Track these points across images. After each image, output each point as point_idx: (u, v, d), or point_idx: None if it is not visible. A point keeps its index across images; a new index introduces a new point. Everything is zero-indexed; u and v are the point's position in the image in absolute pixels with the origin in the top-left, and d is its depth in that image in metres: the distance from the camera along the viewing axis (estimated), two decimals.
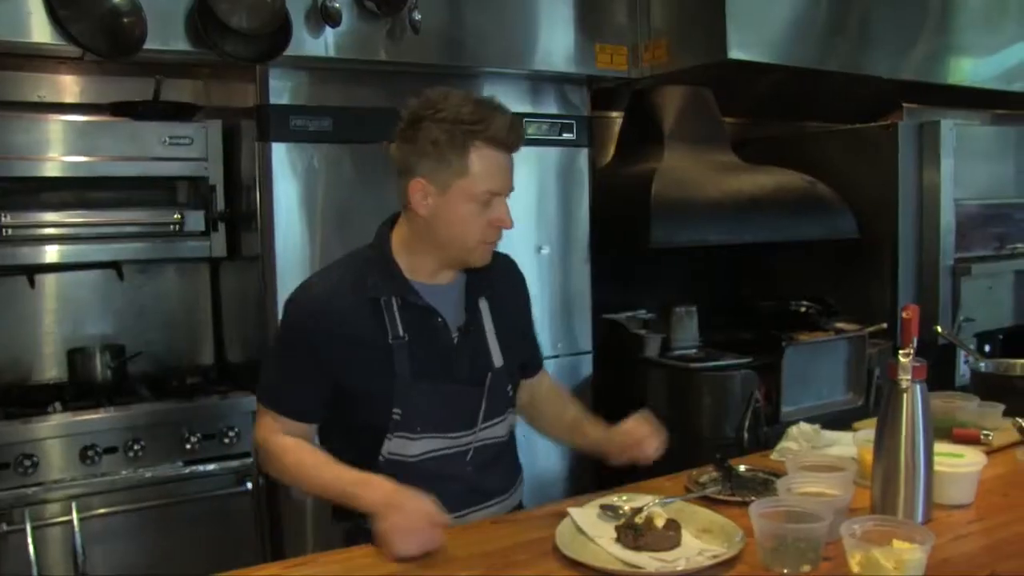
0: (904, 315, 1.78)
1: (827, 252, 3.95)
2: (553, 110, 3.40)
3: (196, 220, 3.07)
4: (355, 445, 1.86)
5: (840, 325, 3.73)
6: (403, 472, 1.80)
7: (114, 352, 3.21)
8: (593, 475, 3.43)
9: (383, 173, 2.86)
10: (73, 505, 2.66)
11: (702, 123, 3.85)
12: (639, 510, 1.78)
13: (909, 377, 1.75)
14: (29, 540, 2.57)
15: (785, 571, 1.60)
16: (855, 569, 1.52)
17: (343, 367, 1.81)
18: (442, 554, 1.71)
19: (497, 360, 1.93)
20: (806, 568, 1.61)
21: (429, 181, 1.77)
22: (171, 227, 3.02)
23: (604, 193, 3.58)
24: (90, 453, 2.71)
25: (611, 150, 4.12)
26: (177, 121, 3.06)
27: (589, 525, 1.79)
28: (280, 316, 1.94)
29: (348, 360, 1.81)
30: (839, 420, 2.64)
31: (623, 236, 3.54)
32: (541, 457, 3.36)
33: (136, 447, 2.78)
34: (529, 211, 3.37)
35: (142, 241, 3.02)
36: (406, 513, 1.65)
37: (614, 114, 4.16)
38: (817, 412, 3.32)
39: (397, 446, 1.85)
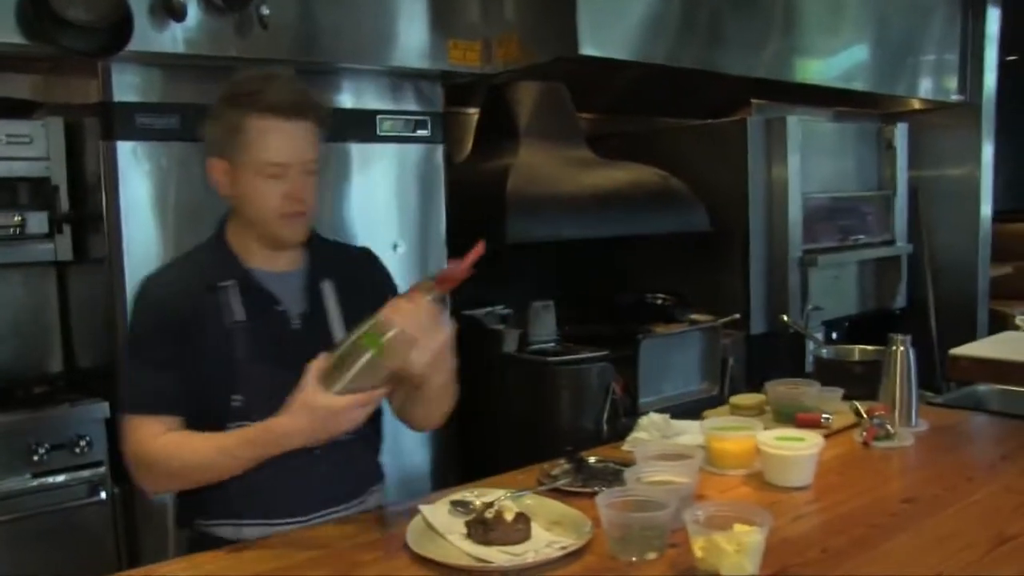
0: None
1: (681, 245, 4.04)
2: (409, 107, 3.39)
3: (39, 222, 2.92)
4: None
5: (694, 317, 3.83)
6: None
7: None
8: (457, 471, 3.47)
9: None
10: None
11: (557, 119, 3.87)
12: (490, 504, 1.78)
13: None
14: None
15: (632, 559, 1.62)
16: (698, 554, 1.55)
17: (188, 354, 1.78)
18: (285, 556, 1.68)
19: None
20: (652, 555, 1.63)
21: (221, 159, 1.77)
22: (12, 230, 2.88)
23: (461, 189, 3.57)
24: None
25: (469, 147, 4.12)
26: (14, 119, 2.92)
27: (440, 522, 1.78)
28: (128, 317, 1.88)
29: (192, 348, 1.77)
30: (695, 409, 2.71)
31: (479, 232, 3.20)
32: (407, 453, 3.38)
33: None
34: (385, 208, 3.38)
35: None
36: (311, 418, 1.65)
37: (471, 110, 4.16)
38: (674, 402, 3.38)
39: None
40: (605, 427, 3.31)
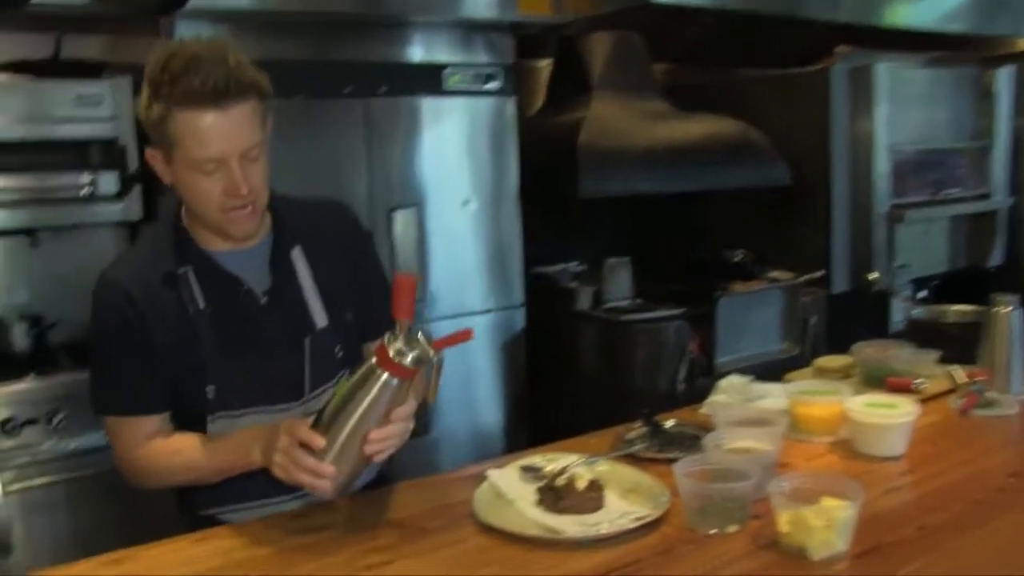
0: (399, 281, 1.49)
1: (760, 200, 3.87)
2: (479, 59, 3.31)
3: (109, 182, 2.90)
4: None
5: (774, 274, 3.68)
6: None
7: (32, 321, 3.05)
8: (528, 431, 3.44)
9: (305, 130, 2.93)
10: None
11: (631, 70, 3.73)
12: (562, 471, 1.69)
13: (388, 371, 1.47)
14: None
15: (712, 532, 1.53)
16: (784, 528, 1.46)
17: (154, 350, 1.67)
18: (351, 522, 1.62)
19: (320, 320, 1.74)
20: (733, 528, 1.54)
21: (156, 150, 1.60)
22: (83, 190, 2.86)
23: (532, 143, 3.49)
24: (8, 426, 2.62)
25: (541, 100, 4.01)
26: (83, 80, 2.89)
27: (509, 487, 1.70)
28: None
29: (157, 342, 1.66)
30: (774, 370, 2.58)
31: (552, 187, 3.48)
32: (478, 411, 3.40)
33: (58, 418, 2.68)
34: (455, 164, 3.31)
35: (54, 207, 2.87)
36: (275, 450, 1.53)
37: (543, 63, 4.06)
38: (752, 362, 3.28)
39: (222, 428, 1.70)
40: (681, 387, 3.23)
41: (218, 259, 1.69)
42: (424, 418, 3.09)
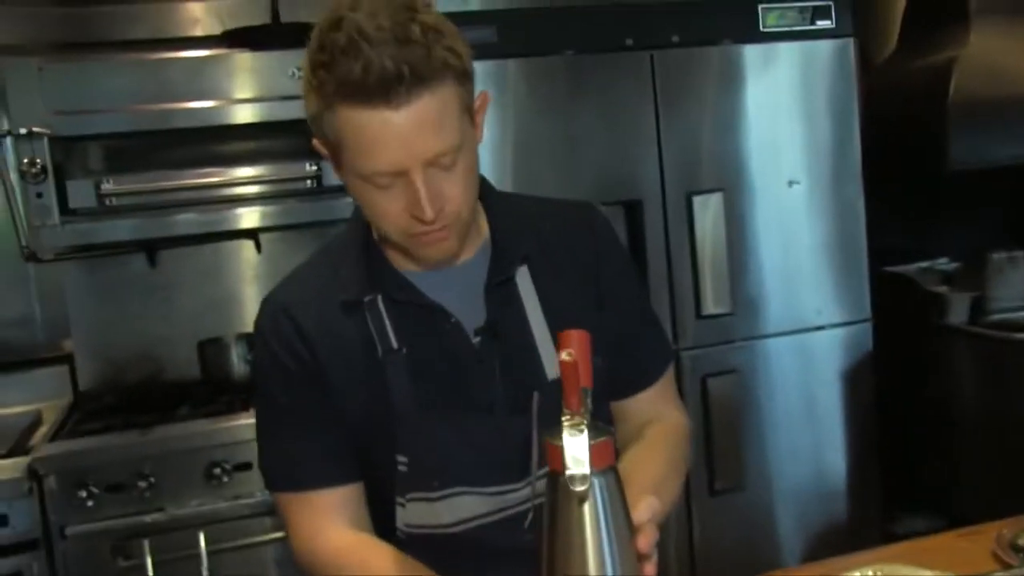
0: (564, 356, 1.12)
1: None
2: None
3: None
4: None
5: None
6: (436, 553, 1.39)
7: (252, 343, 2.87)
8: (879, 487, 3.01)
9: (574, 94, 2.70)
10: (201, 535, 2.38)
11: None
12: None
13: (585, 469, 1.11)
14: None
15: None
16: None
17: (332, 405, 1.42)
18: None
19: (552, 369, 1.42)
20: None
21: (322, 144, 1.33)
22: (307, 182, 2.70)
23: (882, 99, 3.13)
24: (216, 471, 2.44)
25: (892, 40, 3.46)
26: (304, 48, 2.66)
27: None
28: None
29: (335, 394, 1.41)
30: None
31: (911, 157, 3.08)
32: (816, 458, 2.95)
33: None
34: (774, 132, 2.87)
35: (276, 203, 2.72)
36: None
37: None
38: None
39: (417, 514, 1.41)
40: None
41: (417, 283, 1.42)
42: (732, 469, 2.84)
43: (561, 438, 1.10)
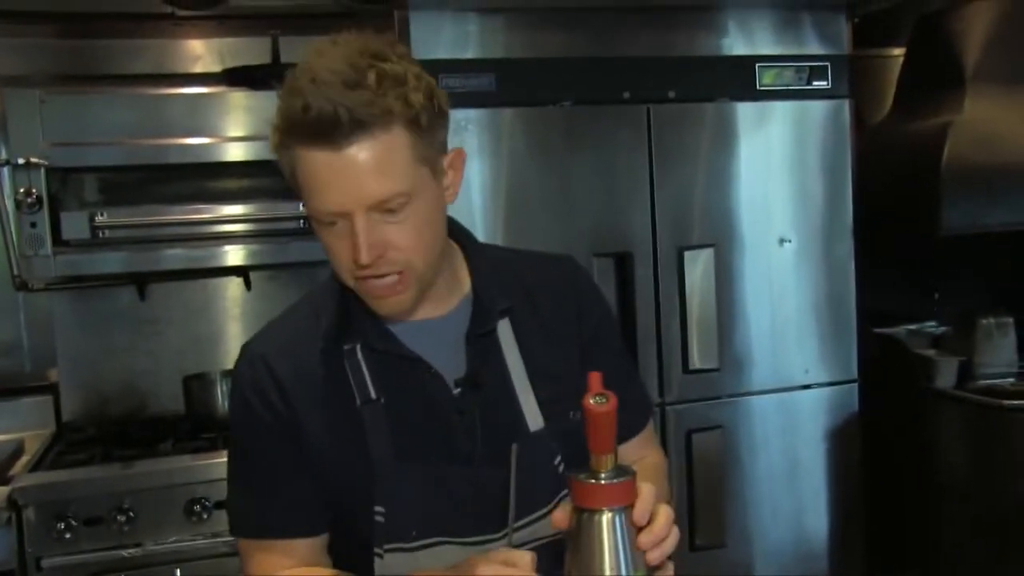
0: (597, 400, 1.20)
1: None
2: (801, 50, 2.92)
3: None
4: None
5: None
6: None
7: None
8: (863, 550, 3.02)
9: (570, 146, 2.71)
10: (177, 572, 2.42)
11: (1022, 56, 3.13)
12: None
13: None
14: None
15: None
16: None
17: (307, 455, 1.41)
18: None
19: (533, 420, 1.43)
20: None
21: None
22: (298, 222, 2.70)
23: (876, 161, 3.09)
24: (196, 508, 2.43)
25: (888, 102, 3.47)
26: None
27: None
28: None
29: (312, 442, 1.40)
30: None
31: (903, 220, 3.08)
32: (797, 517, 2.95)
33: None
34: (768, 188, 2.88)
35: (265, 241, 2.74)
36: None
37: (894, 51, 3.53)
38: None
39: (395, 564, 1.39)
40: None
41: (398, 333, 1.41)
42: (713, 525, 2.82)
43: (595, 476, 1.18)
